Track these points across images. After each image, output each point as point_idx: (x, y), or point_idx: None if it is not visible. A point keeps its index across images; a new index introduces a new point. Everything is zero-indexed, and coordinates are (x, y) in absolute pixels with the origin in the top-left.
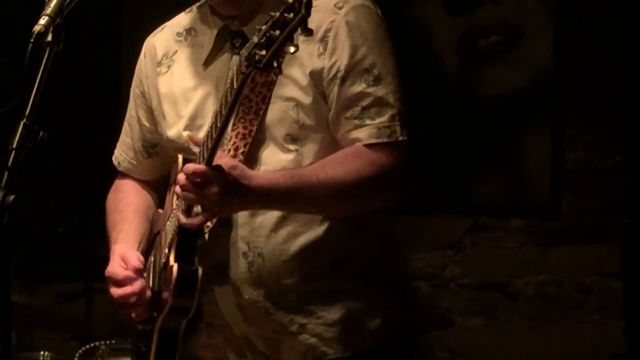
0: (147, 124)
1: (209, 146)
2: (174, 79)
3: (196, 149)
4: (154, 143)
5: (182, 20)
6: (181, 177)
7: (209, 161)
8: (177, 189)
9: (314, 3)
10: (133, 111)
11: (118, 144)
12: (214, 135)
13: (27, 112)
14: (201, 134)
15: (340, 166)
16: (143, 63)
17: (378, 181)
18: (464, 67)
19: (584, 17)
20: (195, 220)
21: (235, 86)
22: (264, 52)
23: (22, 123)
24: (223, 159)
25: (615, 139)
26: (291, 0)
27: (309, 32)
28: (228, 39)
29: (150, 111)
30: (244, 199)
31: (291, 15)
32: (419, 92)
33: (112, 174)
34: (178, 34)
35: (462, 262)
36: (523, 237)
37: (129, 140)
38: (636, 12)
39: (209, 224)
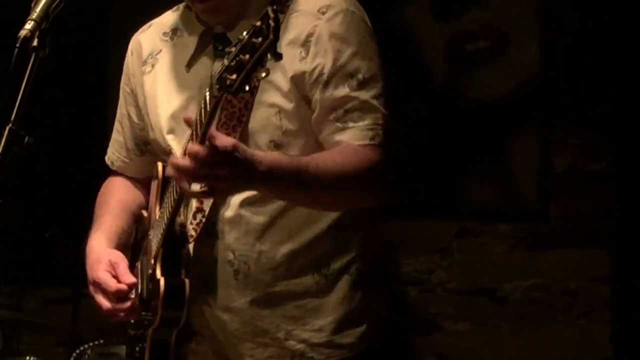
0: (137, 121)
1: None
2: (158, 79)
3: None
4: (146, 140)
5: (168, 19)
6: (185, 162)
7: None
8: (171, 170)
9: (298, 7)
10: (124, 109)
11: (110, 144)
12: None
13: (12, 117)
14: (184, 136)
15: (337, 158)
16: (130, 60)
17: (368, 178)
18: (452, 72)
19: (571, 22)
20: (197, 192)
21: (208, 109)
22: (234, 77)
23: (7, 128)
24: (221, 138)
25: (603, 143)
26: (259, 24)
27: (278, 57)
28: (211, 41)
29: (139, 108)
30: (249, 179)
31: (260, 39)
32: (406, 96)
33: (101, 178)
34: (164, 33)
35: (450, 267)
36: (511, 242)
37: (121, 139)
38: (624, 16)
39: (193, 233)
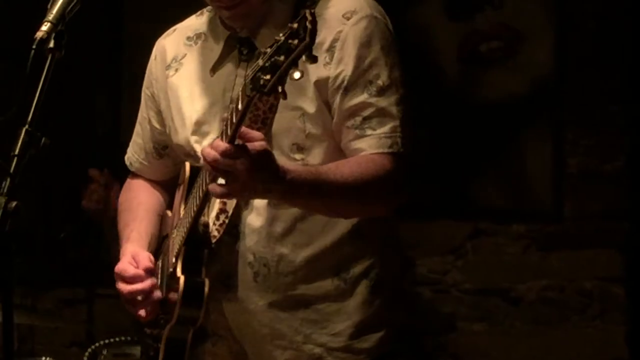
0: (157, 126)
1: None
2: (182, 83)
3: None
4: (165, 144)
5: (192, 23)
6: (211, 152)
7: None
8: (205, 162)
9: (323, 13)
10: (144, 112)
11: (130, 145)
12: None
13: (29, 119)
14: (207, 141)
15: (355, 168)
16: (153, 65)
17: (384, 186)
18: (465, 72)
19: (584, 22)
20: (218, 189)
21: (240, 108)
22: (268, 77)
23: (24, 129)
24: (258, 141)
25: (616, 143)
26: (295, 26)
27: (313, 59)
28: (236, 46)
29: (160, 113)
30: (267, 186)
31: (296, 41)
32: (420, 96)
33: (115, 180)
34: (188, 37)
35: (464, 267)
36: (524, 242)
37: (141, 141)
38: (636, 17)
39: (216, 234)
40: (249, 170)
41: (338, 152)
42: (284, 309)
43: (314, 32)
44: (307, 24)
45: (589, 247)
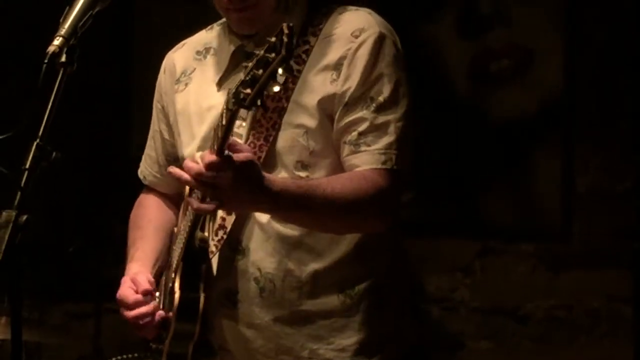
0: (169, 138)
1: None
2: (190, 98)
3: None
4: (177, 157)
5: (202, 37)
6: (194, 165)
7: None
8: (187, 176)
9: (332, 32)
10: (156, 125)
11: (143, 158)
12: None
13: (40, 133)
14: None
15: (345, 184)
16: (163, 78)
17: (376, 203)
18: (475, 90)
19: (594, 41)
20: (204, 206)
21: (224, 122)
22: (248, 90)
23: (35, 143)
24: (244, 152)
25: (626, 162)
26: (273, 40)
27: (290, 72)
28: (243, 59)
29: (170, 126)
30: (254, 198)
31: (273, 55)
32: (430, 114)
33: (125, 194)
34: (198, 52)
35: (472, 286)
36: (533, 261)
37: (154, 154)
38: None
39: (213, 249)
40: (233, 180)
41: (342, 168)
42: (290, 324)
43: (290, 45)
44: (284, 37)
45: (598, 267)
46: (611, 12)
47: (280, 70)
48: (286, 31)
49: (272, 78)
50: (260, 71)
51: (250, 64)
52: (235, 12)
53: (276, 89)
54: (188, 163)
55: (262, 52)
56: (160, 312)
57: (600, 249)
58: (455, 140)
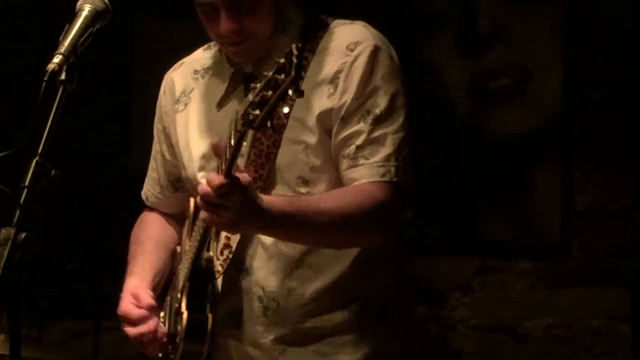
0: (171, 159)
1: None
2: (190, 118)
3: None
4: (179, 177)
5: (200, 57)
6: (204, 187)
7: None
8: (198, 199)
9: (327, 46)
10: (157, 146)
11: (146, 179)
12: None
13: (39, 150)
14: None
15: (341, 198)
16: (163, 99)
17: (374, 216)
18: (474, 109)
19: (593, 59)
20: (208, 217)
21: (232, 143)
22: (257, 112)
23: (34, 161)
24: (243, 174)
25: (624, 181)
26: (282, 61)
27: (300, 94)
28: (242, 81)
29: (172, 146)
30: (254, 218)
31: (282, 76)
32: (429, 132)
33: (122, 212)
34: (195, 71)
35: (471, 304)
36: (532, 279)
37: (155, 175)
38: None
39: (219, 269)
40: (241, 202)
41: (342, 183)
42: (294, 342)
43: (299, 66)
44: (293, 58)
45: (597, 285)
46: (610, 30)
47: (290, 92)
48: (295, 52)
49: (282, 99)
50: (270, 92)
51: (259, 85)
52: (231, 45)
53: (286, 110)
54: (201, 186)
55: (271, 73)
56: (162, 329)
57: (599, 266)
58: (455, 158)
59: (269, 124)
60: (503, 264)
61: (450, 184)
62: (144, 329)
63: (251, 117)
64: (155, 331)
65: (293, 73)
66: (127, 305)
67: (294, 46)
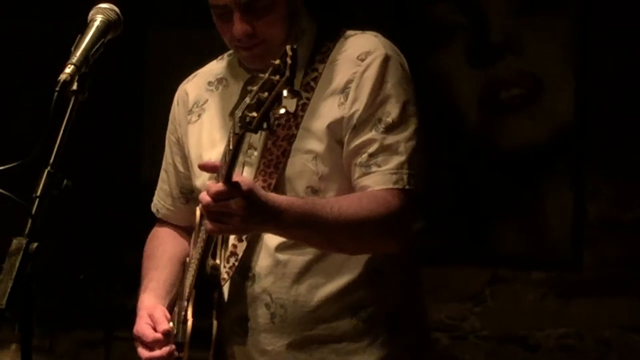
0: (183, 170)
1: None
2: (203, 128)
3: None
4: (191, 189)
5: (213, 68)
6: (205, 196)
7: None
8: (201, 208)
9: (338, 56)
10: (169, 158)
11: (156, 192)
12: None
13: (51, 160)
14: None
15: (354, 202)
16: (176, 110)
17: (385, 223)
18: (485, 119)
19: (605, 69)
20: (210, 226)
21: (231, 147)
22: (254, 114)
23: (46, 171)
24: (239, 177)
25: (636, 191)
26: (277, 62)
27: (295, 94)
28: None
29: (185, 157)
30: (261, 218)
31: (277, 77)
32: (440, 142)
33: (134, 222)
34: (209, 82)
35: (482, 314)
36: (543, 289)
37: (167, 187)
38: None
39: (225, 276)
40: (244, 206)
41: (351, 191)
42: (302, 349)
43: (294, 67)
44: (288, 59)
45: (608, 295)
46: (622, 41)
47: (285, 92)
48: (289, 53)
49: (277, 100)
50: (266, 94)
51: (255, 88)
52: (244, 50)
53: (282, 111)
54: (201, 195)
55: (266, 75)
56: (175, 355)
57: (610, 277)
58: (466, 169)
59: (265, 125)
60: (514, 274)
61: (461, 194)
62: (157, 354)
63: (248, 119)
64: (167, 357)
65: (287, 73)
66: (143, 326)
67: (288, 47)
